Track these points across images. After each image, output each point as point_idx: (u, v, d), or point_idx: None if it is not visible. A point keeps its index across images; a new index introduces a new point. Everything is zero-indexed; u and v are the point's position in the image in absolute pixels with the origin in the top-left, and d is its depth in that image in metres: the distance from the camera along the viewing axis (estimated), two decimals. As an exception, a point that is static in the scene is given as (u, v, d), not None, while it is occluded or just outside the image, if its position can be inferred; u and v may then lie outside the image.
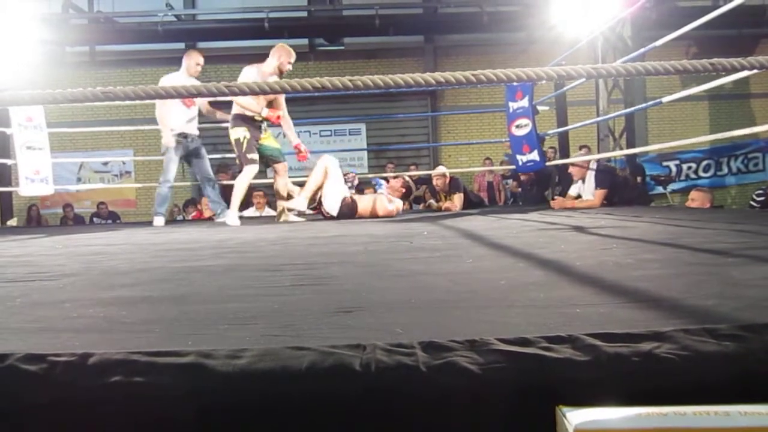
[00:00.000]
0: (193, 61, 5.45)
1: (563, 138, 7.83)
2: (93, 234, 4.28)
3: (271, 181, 6.20)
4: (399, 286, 1.45)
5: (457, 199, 6.50)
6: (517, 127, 6.74)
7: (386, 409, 0.71)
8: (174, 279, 1.70)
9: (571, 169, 6.15)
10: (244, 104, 4.94)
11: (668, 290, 1.21)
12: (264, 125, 5.10)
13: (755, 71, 1.81)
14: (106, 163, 12.29)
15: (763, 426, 0.58)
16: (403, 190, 6.37)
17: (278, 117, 5.05)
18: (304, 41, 12.43)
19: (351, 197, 5.15)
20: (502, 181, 10.46)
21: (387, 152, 12.30)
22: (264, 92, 1.54)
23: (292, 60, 5.10)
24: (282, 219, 5.25)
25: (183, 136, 5.41)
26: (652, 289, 1.24)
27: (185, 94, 1.52)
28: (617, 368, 0.73)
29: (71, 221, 10.66)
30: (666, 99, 4.78)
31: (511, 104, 6.81)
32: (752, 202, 8.35)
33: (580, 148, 8.78)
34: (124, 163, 12.19)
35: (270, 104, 5.09)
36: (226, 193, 5.73)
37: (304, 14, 12.07)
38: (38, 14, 9.63)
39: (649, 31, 7.81)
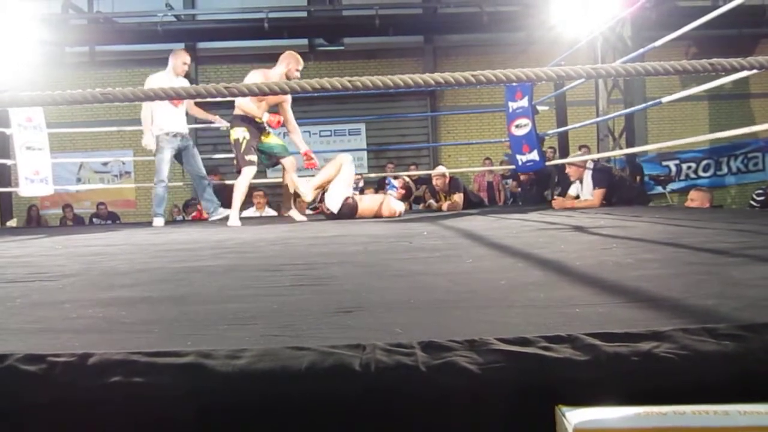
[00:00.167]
0: (180, 60, 5.45)
1: (563, 138, 7.83)
2: (92, 234, 4.28)
3: (271, 181, 6.21)
4: (399, 286, 1.45)
5: (457, 199, 6.50)
6: (517, 127, 6.74)
7: (386, 409, 0.71)
8: (173, 279, 1.70)
9: (568, 170, 6.15)
10: (245, 107, 4.94)
11: (668, 290, 1.21)
12: (265, 117, 5.11)
13: (755, 71, 1.82)
14: (105, 164, 12.29)
15: (762, 425, 0.58)
16: (404, 191, 6.37)
17: (278, 122, 5.06)
18: (304, 41, 12.43)
19: (353, 197, 5.15)
20: (502, 181, 10.46)
21: (387, 152, 12.30)
22: (263, 93, 1.54)
23: (300, 68, 5.15)
24: (288, 213, 5.25)
25: (173, 135, 5.42)
26: (652, 288, 1.24)
27: (184, 95, 1.52)
28: (617, 368, 0.73)
29: (71, 222, 10.66)
30: (666, 99, 4.78)
31: (510, 104, 6.81)
32: (752, 202, 8.35)
33: (580, 148, 8.79)
34: (123, 163, 12.19)
35: (274, 111, 5.12)
36: (225, 194, 5.74)
37: (304, 14, 12.07)
38: (38, 15, 9.64)
39: (649, 31, 7.81)
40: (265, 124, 5.07)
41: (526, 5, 10.37)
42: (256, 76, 4.97)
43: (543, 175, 8.18)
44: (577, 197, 5.93)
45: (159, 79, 5.29)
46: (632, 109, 6.62)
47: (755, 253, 1.82)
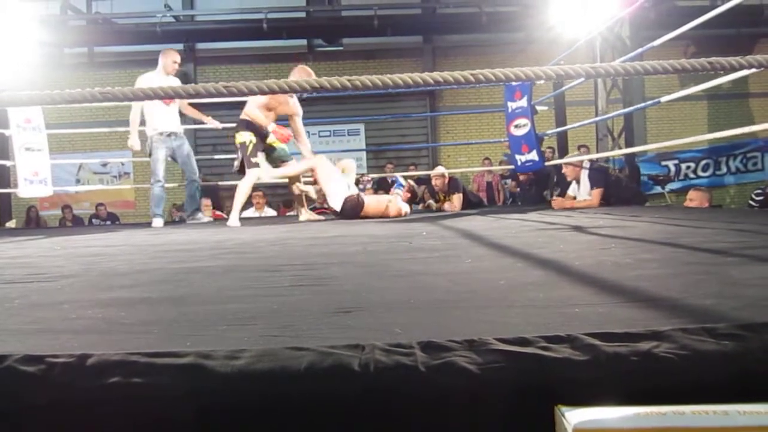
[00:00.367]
0: (170, 59, 5.46)
1: (562, 138, 7.84)
2: (92, 235, 4.27)
3: (271, 182, 6.23)
4: (398, 287, 1.45)
5: (456, 199, 6.49)
6: (516, 127, 6.74)
7: (385, 410, 0.71)
8: (173, 280, 1.70)
9: (564, 170, 6.15)
10: (252, 115, 4.98)
11: (667, 290, 1.21)
12: (271, 127, 5.13)
13: (753, 70, 1.82)
14: (104, 164, 12.28)
15: (761, 425, 0.58)
16: (408, 195, 6.38)
17: (288, 137, 5.09)
18: (303, 42, 12.44)
19: (357, 195, 5.10)
20: (501, 181, 10.46)
21: (386, 152, 12.31)
22: (263, 92, 1.54)
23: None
24: (303, 218, 5.27)
25: (167, 135, 5.42)
26: (651, 288, 1.24)
27: (183, 95, 1.52)
28: (616, 368, 0.73)
29: (70, 222, 10.64)
30: (665, 99, 4.78)
31: (509, 104, 6.81)
32: (751, 202, 8.35)
33: (579, 148, 8.79)
34: (122, 164, 12.18)
35: (284, 123, 5.16)
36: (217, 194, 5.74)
37: (303, 15, 12.09)
38: (36, 15, 9.64)
39: (648, 30, 7.81)
40: (271, 134, 5.09)
41: (525, 5, 10.38)
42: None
43: (542, 175, 8.19)
44: (574, 198, 5.93)
45: (150, 79, 5.30)
46: (631, 108, 6.62)
47: (754, 253, 1.82)
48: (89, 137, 11.58)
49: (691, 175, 12.84)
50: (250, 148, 5.01)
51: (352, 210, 4.98)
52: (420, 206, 7.48)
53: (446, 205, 6.53)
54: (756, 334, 0.78)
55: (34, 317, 1.18)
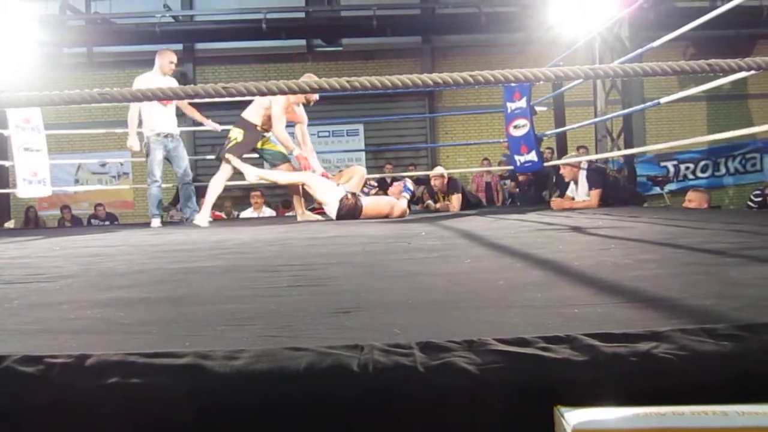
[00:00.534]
0: (167, 59, 5.46)
1: (561, 139, 7.84)
2: (90, 235, 4.27)
3: (269, 182, 6.23)
4: (397, 287, 1.45)
5: (455, 199, 6.49)
6: (515, 127, 6.75)
7: (384, 410, 0.71)
8: (172, 280, 1.70)
9: (562, 171, 6.15)
10: (281, 138, 5.14)
11: (666, 290, 1.21)
12: (296, 152, 5.18)
13: (753, 72, 1.82)
14: (103, 165, 12.27)
15: (760, 426, 0.58)
16: (408, 195, 6.37)
17: (306, 166, 5.15)
18: (302, 42, 12.44)
19: (353, 196, 5.07)
20: (500, 181, 10.46)
21: (385, 153, 12.30)
22: (262, 93, 1.54)
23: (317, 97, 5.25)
24: (302, 218, 5.28)
25: (164, 136, 5.42)
26: (650, 289, 1.24)
27: (182, 95, 1.52)
28: (615, 368, 0.73)
29: (69, 223, 10.63)
30: (664, 100, 4.79)
31: (509, 105, 6.82)
32: (750, 203, 8.35)
33: (578, 148, 8.79)
34: (121, 164, 12.17)
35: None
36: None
37: (302, 15, 12.08)
38: (35, 15, 9.62)
39: (647, 31, 7.82)
40: (294, 159, 5.19)
41: (524, 6, 10.37)
42: (281, 98, 4.98)
43: (541, 175, 8.19)
44: (573, 198, 5.93)
45: (147, 80, 5.30)
46: (630, 109, 6.63)
47: (753, 254, 1.83)
48: (88, 137, 11.57)
49: (690, 176, 12.85)
50: (232, 143, 5.11)
51: (349, 215, 4.95)
52: (419, 206, 7.48)
53: (445, 206, 6.52)
54: (755, 334, 0.78)
55: (33, 317, 1.18)
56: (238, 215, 8.71)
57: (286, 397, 0.71)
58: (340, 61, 12.68)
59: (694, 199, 5.51)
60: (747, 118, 12.32)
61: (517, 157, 6.85)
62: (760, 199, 8.13)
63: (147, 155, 5.49)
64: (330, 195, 5.01)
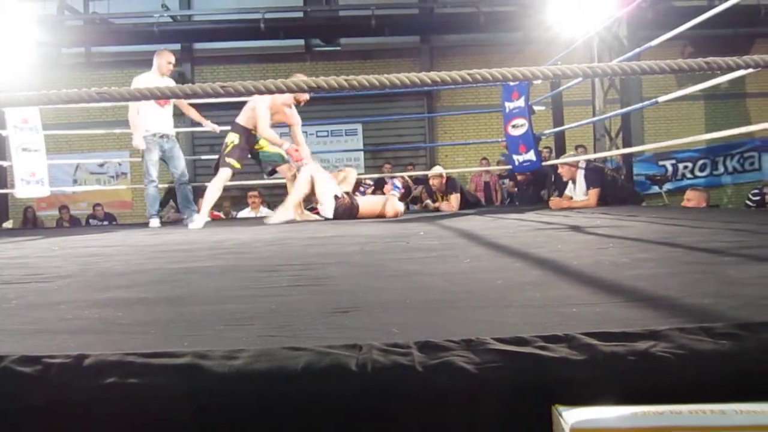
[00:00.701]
0: (165, 59, 5.47)
1: (559, 138, 7.84)
2: (89, 235, 4.27)
3: (268, 182, 6.26)
4: (395, 287, 1.45)
5: (454, 199, 6.50)
6: (514, 127, 6.75)
7: (382, 409, 0.71)
8: (170, 280, 1.70)
9: (560, 170, 6.15)
10: (266, 135, 5.10)
11: (664, 289, 1.21)
12: (286, 146, 5.19)
13: (751, 70, 1.82)
14: (102, 165, 12.26)
15: (758, 424, 0.58)
16: (403, 191, 6.37)
17: (298, 157, 5.13)
18: (300, 42, 12.44)
19: (348, 195, 5.08)
20: (499, 181, 10.47)
21: (384, 152, 12.30)
22: (260, 93, 1.54)
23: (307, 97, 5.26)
24: (300, 218, 5.28)
25: (160, 136, 5.42)
26: (649, 288, 1.24)
27: (180, 95, 1.52)
28: (613, 367, 0.73)
29: (67, 223, 10.63)
30: (662, 99, 4.79)
31: (507, 104, 6.82)
32: (748, 202, 8.36)
33: (576, 148, 8.80)
34: (120, 164, 12.17)
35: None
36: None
37: (300, 15, 12.07)
38: (33, 15, 9.61)
39: (645, 30, 7.81)
40: (285, 155, 5.17)
41: (522, 5, 10.37)
42: (265, 98, 5.00)
43: (540, 175, 8.20)
44: (571, 198, 5.93)
45: (145, 80, 5.30)
46: (628, 108, 6.63)
47: (751, 253, 1.83)
48: (86, 137, 11.56)
49: (689, 175, 12.86)
50: (230, 147, 5.16)
51: (346, 214, 4.96)
52: (417, 206, 7.48)
53: (444, 205, 6.53)
54: (753, 333, 0.78)
55: (31, 318, 1.18)
56: (236, 215, 8.71)
57: (284, 397, 0.71)
58: (339, 60, 12.67)
59: (692, 198, 5.51)
60: (745, 116, 12.33)
61: (515, 157, 6.85)
62: (758, 198, 8.15)
63: (143, 155, 5.50)
64: (328, 192, 5.02)
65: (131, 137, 5.51)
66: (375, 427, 0.71)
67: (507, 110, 6.83)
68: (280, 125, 5.44)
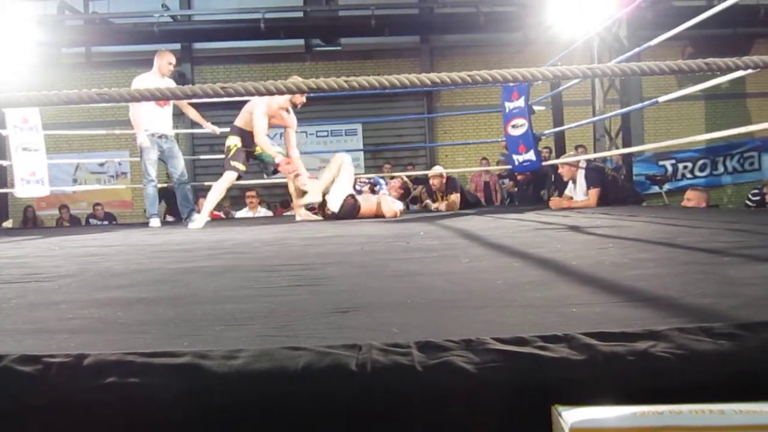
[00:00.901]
0: (165, 60, 5.47)
1: (559, 138, 7.84)
2: (89, 235, 4.27)
3: (267, 182, 6.25)
4: (395, 287, 1.45)
5: (454, 199, 6.50)
6: (514, 127, 6.75)
7: (382, 409, 0.71)
8: (170, 280, 1.70)
9: (560, 170, 6.14)
10: (262, 144, 5.12)
11: (664, 289, 1.21)
12: (278, 159, 5.19)
13: (750, 71, 1.82)
14: (102, 164, 12.26)
15: (758, 424, 0.58)
16: (402, 191, 6.38)
17: (291, 170, 5.14)
18: (300, 42, 12.44)
19: (354, 197, 5.12)
20: (499, 181, 10.47)
21: (384, 153, 12.31)
22: (260, 93, 1.54)
23: (304, 99, 5.27)
24: (300, 218, 5.29)
25: (158, 136, 5.43)
26: (648, 288, 1.24)
27: (180, 95, 1.52)
28: (613, 367, 0.73)
29: (67, 222, 10.63)
30: (662, 99, 4.79)
31: (507, 104, 6.82)
32: (748, 202, 8.36)
33: (576, 148, 8.80)
34: (120, 164, 12.17)
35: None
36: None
37: (300, 15, 12.07)
38: (34, 15, 9.62)
39: (645, 30, 7.81)
40: (279, 168, 5.20)
41: (522, 6, 10.37)
42: (262, 99, 5.00)
43: (539, 175, 8.20)
44: (571, 198, 5.93)
45: (145, 80, 5.31)
46: (628, 108, 6.63)
47: (751, 253, 1.83)
48: (86, 137, 11.56)
49: (689, 175, 12.87)
50: (233, 150, 5.18)
51: (348, 214, 5.00)
52: (417, 206, 7.48)
53: (443, 205, 6.53)
54: (753, 333, 0.78)
55: (31, 317, 1.18)
56: (234, 215, 8.72)
57: (284, 397, 0.71)
58: (339, 60, 12.68)
59: (692, 198, 5.51)
60: (745, 116, 12.34)
61: (515, 157, 6.85)
62: (758, 198, 8.15)
63: (141, 155, 5.50)
64: (344, 188, 5.09)
65: (132, 137, 5.52)
66: (375, 427, 0.71)
67: (507, 110, 6.83)
68: (276, 126, 5.44)
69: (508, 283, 1.39)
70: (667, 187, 11.40)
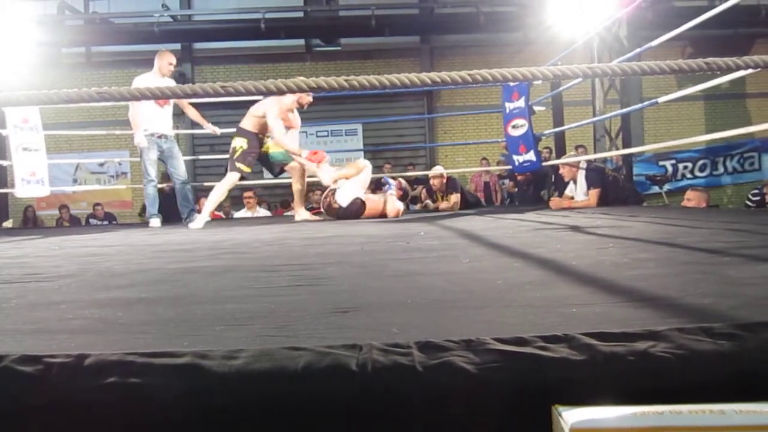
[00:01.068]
0: (165, 60, 5.47)
1: (559, 138, 7.84)
2: (89, 235, 4.27)
3: (265, 182, 6.25)
4: (395, 287, 1.45)
5: (454, 199, 6.50)
6: (514, 127, 6.75)
7: (382, 409, 0.71)
8: (170, 280, 1.70)
9: (561, 170, 6.14)
10: (283, 145, 5.08)
11: (664, 289, 1.21)
12: (305, 153, 5.18)
13: (751, 71, 1.82)
14: (102, 164, 12.25)
15: (758, 424, 0.58)
16: (400, 193, 6.37)
17: (320, 159, 5.12)
18: (301, 42, 12.44)
19: (362, 201, 5.12)
20: (499, 181, 10.47)
21: (384, 153, 12.29)
22: (261, 93, 1.54)
23: (310, 98, 5.26)
24: (300, 218, 5.29)
25: (158, 136, 5.43)
26: (648, 288, 1.24)
27: (180, 95, 1.52)
28: (613, 367, 0.73)
29: (67, 222, 10.62)
30: (662, 99, 4.79)
31: (507, 105, 6.82)
32: (748, 202, 8.36)
33: (576, 148, 8.79)
34: (120, 163, 12.16)
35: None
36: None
37: (300, 15, 12.06)
38: (34, 15, 9.61)
39: (645, 31, 7.82)
40: (306, 161, 5.16)
41: (522, 6, 10.37)
42: (268, 100, 5.00)
43: (540, 175, 8.19)
44: (572, 198, 5.93)
45: (146, 80, 5.31)
46: (629, 109, 6.63)
47: (751, 253, 1.83)
48: (86, 137, 11.56)
49: (689, 176, 12.86)
50: (239, 152, 5.18)
51: (355, 212, 5.01)
52: (417, 206, 7.48)
53: (444, 205, 6.52)
54: (753, 333, 0.78)
55: (31, 317, 1.18)
56: (233, 215, 8.71)
57: (284, 397, 0.71)
58: (339, 60, 12.67)
59: (692, 198, 5.51)
60: (745, 117, 12.34)
61: (515, 157, 6.85)
62: (758, 198, 8.15)
63: (141, 155, 5.50)
64: (358, 190, 5.10)
65: (132, 136, 5.51)
66: (375, 427, 0.71)
67: (507, 110, 6.83)
68: None
69: (508, 283, 1.39)
70: (667, 187, 11.40)
